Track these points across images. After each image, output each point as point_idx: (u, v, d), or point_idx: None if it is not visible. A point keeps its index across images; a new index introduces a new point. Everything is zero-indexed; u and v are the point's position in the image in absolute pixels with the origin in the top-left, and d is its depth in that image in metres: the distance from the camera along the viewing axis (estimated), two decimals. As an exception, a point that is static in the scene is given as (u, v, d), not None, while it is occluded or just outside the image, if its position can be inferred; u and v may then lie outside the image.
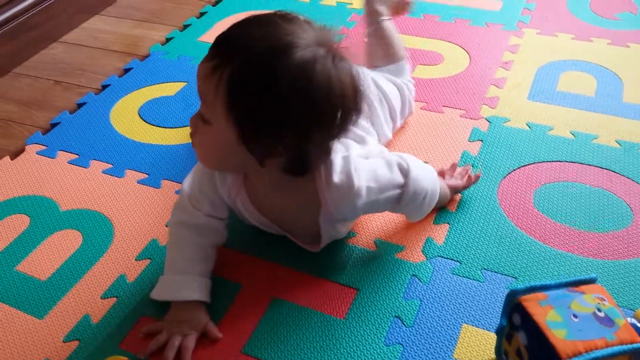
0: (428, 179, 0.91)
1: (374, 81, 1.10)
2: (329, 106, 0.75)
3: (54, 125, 1.33)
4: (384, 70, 1.21)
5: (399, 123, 1.16)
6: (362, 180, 0.84)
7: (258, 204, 0.90)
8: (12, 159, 1.23)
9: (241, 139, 0.76)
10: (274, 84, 0.72)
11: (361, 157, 0.87)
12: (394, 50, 1.22)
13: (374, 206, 0.88)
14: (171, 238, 0.92)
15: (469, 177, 1.06)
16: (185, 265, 0.90)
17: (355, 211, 0.88)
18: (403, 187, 0.87)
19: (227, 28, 0.78)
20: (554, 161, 1.13)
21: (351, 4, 1.72)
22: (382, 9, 1.24)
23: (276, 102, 0.73)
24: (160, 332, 0.85)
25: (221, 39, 0.77)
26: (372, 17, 1.25)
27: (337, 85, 0.74)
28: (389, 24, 1.24)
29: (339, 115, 0.76)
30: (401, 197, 0.88)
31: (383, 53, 1.23)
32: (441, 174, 1.05)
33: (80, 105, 1.39)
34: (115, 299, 0.92)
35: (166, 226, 1.02)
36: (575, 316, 0.72)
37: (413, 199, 0.89)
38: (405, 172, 0.87)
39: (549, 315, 0.73)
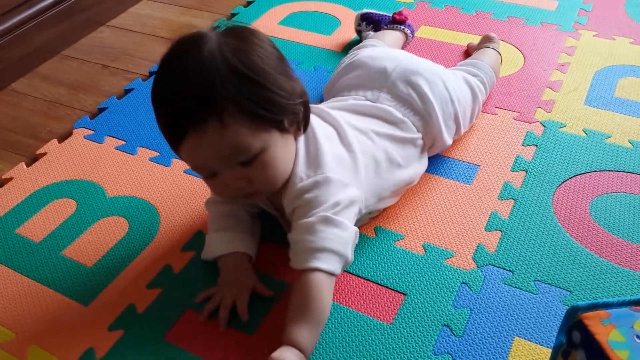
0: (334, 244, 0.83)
1: (443, 82, 1.06)
2: (277, 53, 0.82)
3: (101, 109, 1.33)
4: (462, 64, 1.24)
5: (463, 130, 1.12)
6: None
7: None
8: (59, 142, 1.24)
9: (280, 129, 0.80)
10: (258, 74, 0.76)
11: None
12: (484, 61, 1.26)
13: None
14: (210, 215, 0.96)
15: None
16: (230, 225, 0.93)
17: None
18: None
19: (170, 96, 0.78)
20: (612, 171, 1.09)
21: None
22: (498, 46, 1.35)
23: (268, 78, 0.77)
24: (214, 295, 0.89)
25: (183, 108, 0.76)
26: (485, 41, 1.36)
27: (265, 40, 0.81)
28: (495, 55, 1.31)
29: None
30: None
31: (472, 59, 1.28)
32: None
33: (127, 91, 1.39)
34: (160, 289, 0.92)
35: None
36: (639, 337, 0.69)
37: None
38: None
39: (612, 335, 0.70)
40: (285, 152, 0.83)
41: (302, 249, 0.82)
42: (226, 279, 0.90)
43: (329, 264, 0.80)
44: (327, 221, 0.81)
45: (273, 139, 0.79)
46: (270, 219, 0.98)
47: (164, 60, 0.78)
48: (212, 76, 0.74)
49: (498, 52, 1.31)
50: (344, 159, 0.88)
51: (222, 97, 0.74)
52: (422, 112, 1.02)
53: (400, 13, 1.41)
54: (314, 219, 0.82)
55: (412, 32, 1.42)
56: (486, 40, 1.35)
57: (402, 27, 1.40)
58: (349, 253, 0.83)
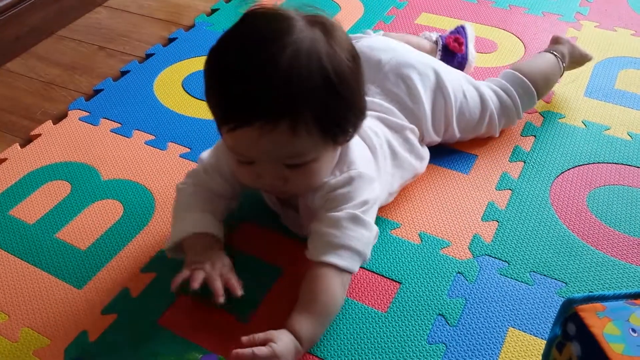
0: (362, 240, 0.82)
1: (435, 73, 1.03)
2: (358, 60, 0.78)
3: (97, 91, 1.32)
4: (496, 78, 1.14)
5: (457, 133, 1.06)
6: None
7: None
8: (54, 124, 1.23)
9: (335, 144, 0.79)
10: (347, 91, 0.74)
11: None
12: (536, 76, 1.13)
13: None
14: (179, 197, 0.90)
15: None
16: (197, 205, 0.87)
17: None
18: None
19: (240, 85, 0.71)
20: (610, 163, 1.08)
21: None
22: (565, 52, 1.19)
23: (353, 97, 0.76)
24: (194, 273, 0.80)
25: (264, 98, 0.70)
26: (553, 46, 1.21)
27: (349, 46, 0.77)
28: (547, 62, 1.16)
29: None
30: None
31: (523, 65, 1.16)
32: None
33: (123, 73, 1.37)
34: (154, 274, 0.91)
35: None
36: (634, 331, 0.69)
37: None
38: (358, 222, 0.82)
39: (607, 328, 0.70)
40: (331, 162, 0.82)
41: (324, 242, 0.80)
42: (200, 257, 0.83)
43: (347, 261, 0.79)
44: (355, 219, 0.80)
45: (326, 151, 0.78)
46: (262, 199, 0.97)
47: (244, 30, 0.73)
48: (305, 80, 0.70)
49: (556, 55, 1.17)
50: (367, 155, 0.88)
51: (306, 106, 0.71)
52: (411, 107, 1.00)
53: (457, 39, 1.23)
54: (342, 214, 0.80)
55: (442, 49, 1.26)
56: (552, 42, 1.23)
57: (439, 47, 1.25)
58: (369, 253, 0.82)
